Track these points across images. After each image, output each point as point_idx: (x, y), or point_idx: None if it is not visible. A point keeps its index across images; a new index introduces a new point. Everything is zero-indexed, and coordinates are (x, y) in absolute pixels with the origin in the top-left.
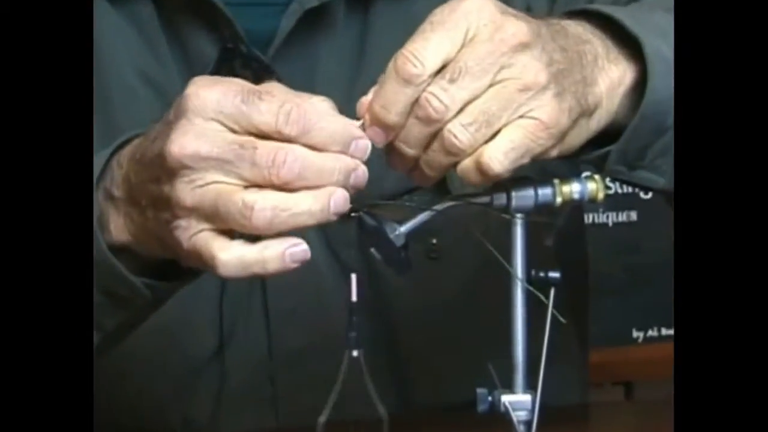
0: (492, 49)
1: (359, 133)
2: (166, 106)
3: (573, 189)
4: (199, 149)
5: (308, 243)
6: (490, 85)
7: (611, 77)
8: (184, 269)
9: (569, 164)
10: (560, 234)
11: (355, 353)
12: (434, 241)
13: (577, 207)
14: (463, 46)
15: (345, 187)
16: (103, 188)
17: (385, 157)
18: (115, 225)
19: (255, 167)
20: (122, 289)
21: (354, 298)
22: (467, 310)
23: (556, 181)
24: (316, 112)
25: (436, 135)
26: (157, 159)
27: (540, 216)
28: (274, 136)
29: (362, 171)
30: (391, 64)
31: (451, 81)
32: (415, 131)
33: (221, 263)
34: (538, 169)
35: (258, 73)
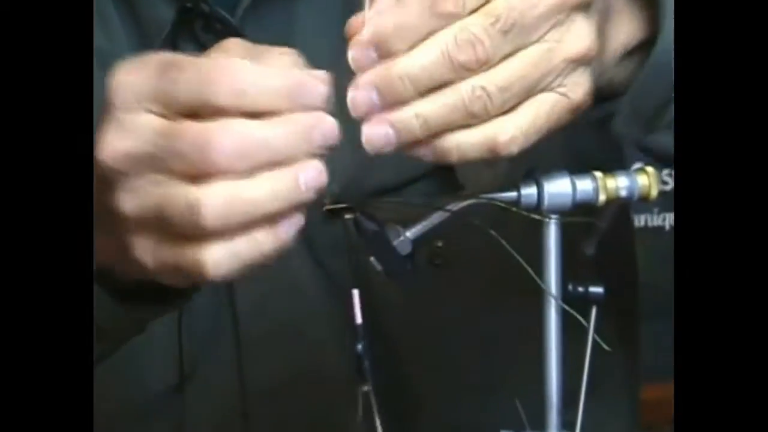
0: (550, 4)
1: (310, 79)
2: None
3: (619, 184)
4: (128, 149)
5: (288, 248)
6: (535, 42)
7: (624, 35)
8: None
9: (615, 153)
10: (603, 240)
11: (365, 388)
12: (439, 244)
13: (624, 206)
14: None
15: (313, 153)
16: None
17: (351, 91)
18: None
19: (184, 158)
20: (105, 320)
21: (359, 319)
22: (486, 334)
23: (598, 174)
24: (250, 70)
25: (449, 83)
26: (97, 170)
27: (578, 217)
28: (208, 112)
29: (328, 124)
30: None
31: (503, 31)
32: (436, 73)
33: (212, 265)
34: (573, 158)
35: (223, 38)
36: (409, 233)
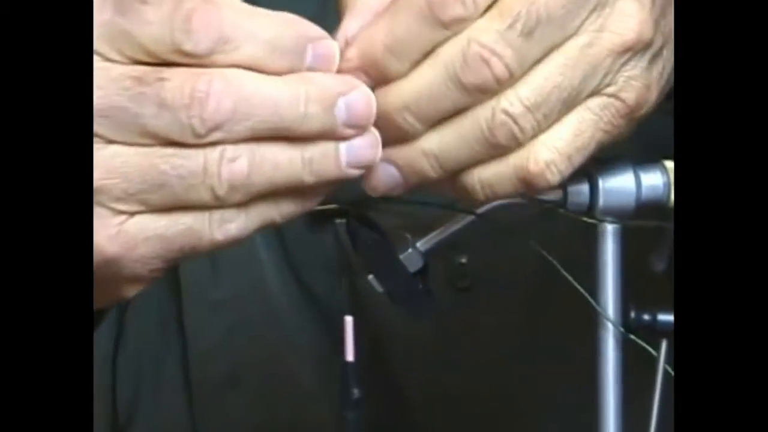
0: None
1: (317, 31)
2: None
3: None
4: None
5: (259, 264)
6: (569, 38)
7: None
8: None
9: None
10: None
11: None
12: (463, 260)
13: None
14: None
15: (336, 132)
16: None
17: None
18: None
19: (164, 110)
20: None
21: (350, 356)
22: (521, 372)
23: (670, 164)
24: (238, 9)
25: (463, 110)
26: None
27: (644, 221)
28: (178, 61)
29: (361, 94)
30: None
31: (526, 33)
32: (442, 100)
33: (226, 235)
34: (639, 143)
35: None
36: (420, 244)
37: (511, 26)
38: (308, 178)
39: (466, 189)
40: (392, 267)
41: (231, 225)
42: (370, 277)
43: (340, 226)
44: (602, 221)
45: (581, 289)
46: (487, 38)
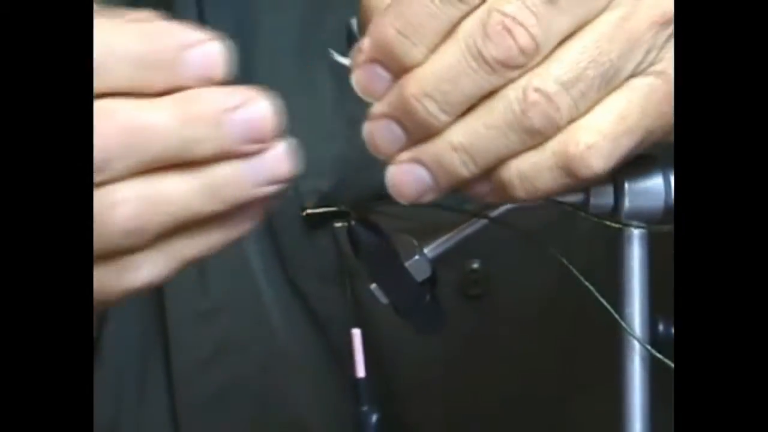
0: None
1: (194, 37)
2: None
3: None
4: None
5: (251, 272)
6: (604, 10)
7: None
8: None
9: None
10: None
11: None
12: (475, 266)
13: None
14: None
15: (236, 147)
16: None
17: (370, 130)
18: None
19: None
20: None
21: (361, 372)
22: (537, 387)
23: None
24: (106, 27)
25: (491, 94)
26: None
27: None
28: None
29: (255, 105)
30: None
31: (550, 1)
32: (466, 82)
33: (135, 283)
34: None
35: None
36: (428, 250)
37: None
38: (216, 206)
39: (503, 186)
40: (397, 276)
41: (141, 272)
42: (373, 286)
43: (340, 231)
44: (627, 225)
45: (603, 301)
46: (508, 6)
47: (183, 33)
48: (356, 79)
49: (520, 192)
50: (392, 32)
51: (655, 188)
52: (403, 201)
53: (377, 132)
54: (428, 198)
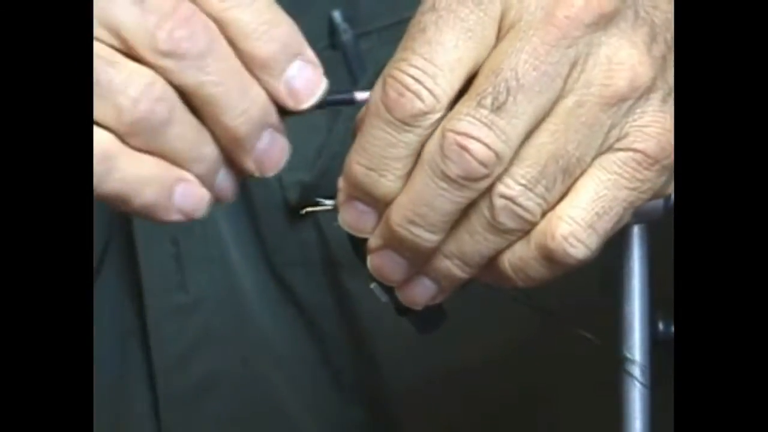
0: (554, 37)
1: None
2: None
3: None
4: None
5: (231, 263)
6: (556, 102)
7: None
8: None
9: None
10: None
11: None
12: None
13: None
14: (499, 40)
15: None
16: None
17: (374, 265)
18: None
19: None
20: None
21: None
22: (533, 397)
23: None
24: None
25: (470, 206)
26: None
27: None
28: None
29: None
30: (375, 94)
31: (497, 108)
32: (441, 202)
33: None
34: None
35: None
36: None
37: (479, 104)
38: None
39: (501, 279)
40: None
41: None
42: (373, 285)
43: (324, 219)
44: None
45: (592, 338)
46: (459, 124)
47: None
48: (342, 220)
49: (518, 282)
50: (358, 168)
51: None
52: (416, 308)
53: (381, 265)
54: (440, 299)
